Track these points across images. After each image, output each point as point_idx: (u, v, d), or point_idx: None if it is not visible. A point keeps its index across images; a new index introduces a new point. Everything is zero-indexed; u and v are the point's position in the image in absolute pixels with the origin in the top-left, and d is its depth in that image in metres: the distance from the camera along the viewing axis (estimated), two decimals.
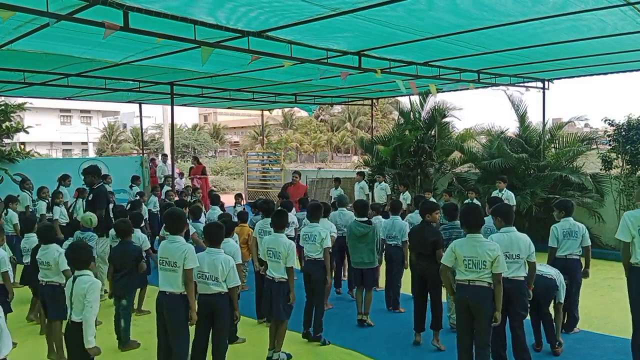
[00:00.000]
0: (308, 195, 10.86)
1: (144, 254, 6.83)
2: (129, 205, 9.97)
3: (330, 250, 7.11)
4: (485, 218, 6.40)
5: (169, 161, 15.07)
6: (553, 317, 5.77)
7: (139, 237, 7.04)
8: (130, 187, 12.61)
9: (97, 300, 4.19)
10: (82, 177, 8.57)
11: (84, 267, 4.31)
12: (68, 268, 5.36)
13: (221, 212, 8.45)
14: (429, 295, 6.08)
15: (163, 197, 11.76)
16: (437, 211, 6.15)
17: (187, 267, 4.62)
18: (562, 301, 5.77)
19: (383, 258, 7.40)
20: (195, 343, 4.98)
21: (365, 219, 6.73)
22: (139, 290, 6.85)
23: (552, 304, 5.75)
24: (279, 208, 6.81)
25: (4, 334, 3.35)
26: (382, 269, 7.69)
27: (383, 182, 11.98)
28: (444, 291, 5.98)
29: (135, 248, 6.39)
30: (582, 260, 6.16)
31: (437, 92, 13.22)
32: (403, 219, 7.83)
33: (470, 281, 4.63)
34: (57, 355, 5.45)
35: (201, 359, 4.99)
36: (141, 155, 18.26)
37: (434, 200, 10.54)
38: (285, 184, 12.53)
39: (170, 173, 13.69)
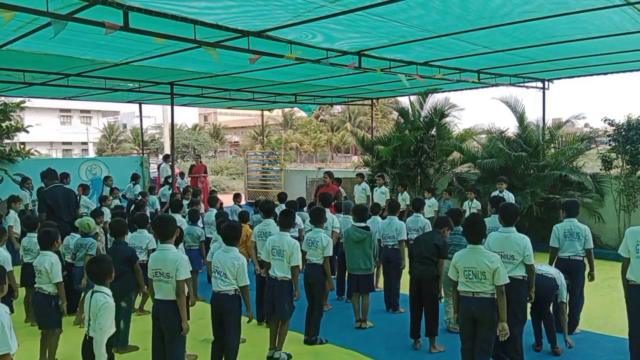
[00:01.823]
0: (339, 198, 10.07)
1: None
2: (132, 205, 10.02)
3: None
4: (488, 219, 6.45)
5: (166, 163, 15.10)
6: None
7: (146, 237, 6.89)
8: (134, 184, 12.65)
9: (108, 322, 4.05)
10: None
11: (103, 282, 4.18)
12: (60, 280, 5.36)
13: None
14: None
15: (168, 197, 11.80)
16: (448, 229, 6.18)
17: (179, 278, 4.59)
18: (565, 300, 5.77)
19: (380, 260, 7.35)
20: (212, 344, 5.15)
21: (364, 224, 6.67)
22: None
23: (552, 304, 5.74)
24: (287, 209, 6.73)
25: (12, 331, 3.41)
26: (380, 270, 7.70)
27: (383, 186, 11.87)
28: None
29: (127, 249, 6.10)
30: (586, 262, 6.13)
31: (437, 92, 13.27)
32: (400, 219, 7.79)
33: (474, 293, 4.60)
34: None
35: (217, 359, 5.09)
36: (141, 155, 18.24)
37: (434, 199, 10.55)
38: (318, 186, 12.06)
39: (170, 174, 13.68)
